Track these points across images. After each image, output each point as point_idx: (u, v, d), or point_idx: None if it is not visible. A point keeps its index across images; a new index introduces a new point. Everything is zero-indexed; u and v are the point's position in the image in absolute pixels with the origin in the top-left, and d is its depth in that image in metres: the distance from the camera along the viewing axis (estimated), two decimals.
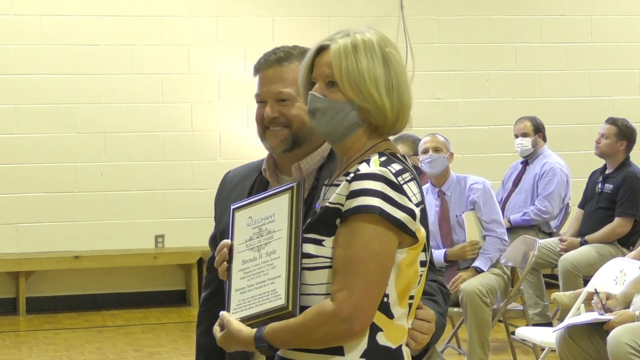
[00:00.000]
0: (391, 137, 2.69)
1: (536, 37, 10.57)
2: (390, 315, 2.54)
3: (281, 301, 2.52)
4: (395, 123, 2.63)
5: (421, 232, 2.56)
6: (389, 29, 9.91)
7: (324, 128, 2.63)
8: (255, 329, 2.55)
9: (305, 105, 2.70)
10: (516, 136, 8.81)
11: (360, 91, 2.58)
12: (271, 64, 2.97)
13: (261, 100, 2.98)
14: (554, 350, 6.18)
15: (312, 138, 2.92)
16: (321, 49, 2.65)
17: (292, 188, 2.61)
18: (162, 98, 9.77)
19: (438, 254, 6.94)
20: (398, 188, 2.52)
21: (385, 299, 2.53)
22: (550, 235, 8.62)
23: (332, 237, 2.52)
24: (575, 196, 8.70)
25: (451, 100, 10.37)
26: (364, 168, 2.54)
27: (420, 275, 2.60)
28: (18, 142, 9.48)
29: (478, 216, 6.98)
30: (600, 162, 8.38)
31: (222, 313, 2.63)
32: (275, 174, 3.01)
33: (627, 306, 5.86)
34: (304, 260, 2.55)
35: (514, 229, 8.36)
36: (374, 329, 2.53)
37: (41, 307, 9.52)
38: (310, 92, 2.64)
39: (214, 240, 3.09)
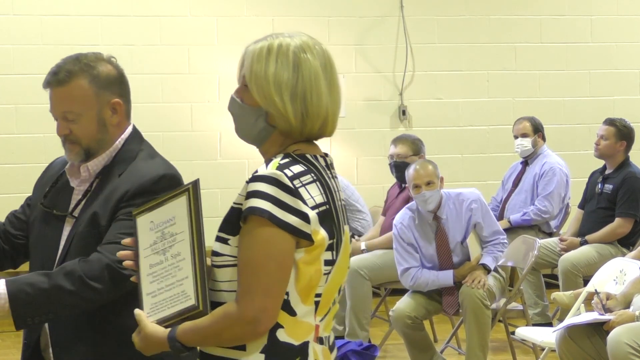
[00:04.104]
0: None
1: (536, 37, 10.56)
2: (291, 313, 2.57)
3: (191, 301, 2.57)
4: (303, 129, 2.62)
5: (319, 234, 2.56)
6: (389, 29, 9.89)
7: (241, 132, 2.69)
8: (169, 329, 2.59)
9: (93, 119, 3.08)
10: (515, 137, 8.80)
11: (264, 96, 2.60)
12: (52, 85, 3.17)
13: (54, 117, 3.21)
14: (554, 350, 6.18)
15: (105, 145, 3.17)
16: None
17: (188, 190, 2.63)
18: (162, 98, 9.77)
19: (445, 275, 6.78)
20: (292, 192, 2.53)
21: (286, 297, 2.55)
22: (550, 235, 8.62)
23: (237, 236, 2.56)
24: (575, 196, 8.69)
25: (451, 100, 10.36)
26: (261, 169, 2.56)
27: (326, 274, 2.60)
28: (18, 142, 9.48)
29: (479, 233, 6.91)
30: (600, 162, 8.38)
31: (137, 312, 2.66)
32: (77, 172, 3.23)
33: (627, 306, 5.86)
34: (213, 258, 2.60)
35: (514, 229, 8.36)
36: (274, 326, 2.56)
37: None
38: (232, 94, 2.68)
39: (27, 201, 3.42)
